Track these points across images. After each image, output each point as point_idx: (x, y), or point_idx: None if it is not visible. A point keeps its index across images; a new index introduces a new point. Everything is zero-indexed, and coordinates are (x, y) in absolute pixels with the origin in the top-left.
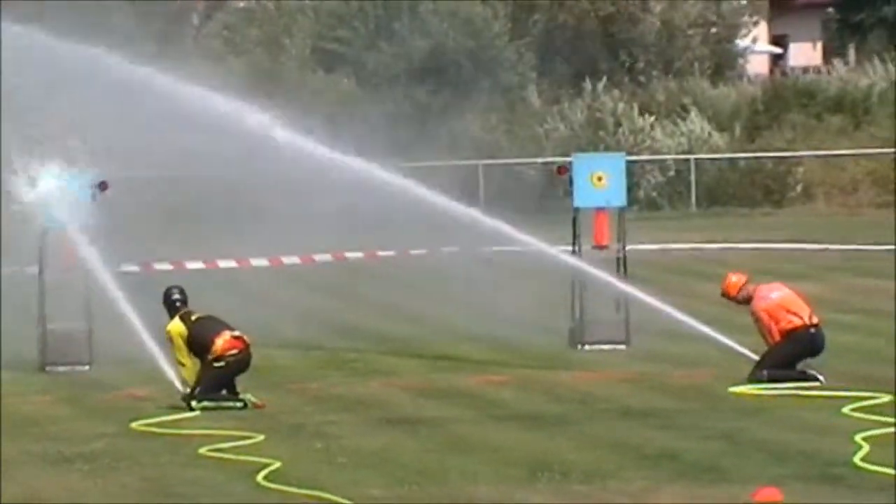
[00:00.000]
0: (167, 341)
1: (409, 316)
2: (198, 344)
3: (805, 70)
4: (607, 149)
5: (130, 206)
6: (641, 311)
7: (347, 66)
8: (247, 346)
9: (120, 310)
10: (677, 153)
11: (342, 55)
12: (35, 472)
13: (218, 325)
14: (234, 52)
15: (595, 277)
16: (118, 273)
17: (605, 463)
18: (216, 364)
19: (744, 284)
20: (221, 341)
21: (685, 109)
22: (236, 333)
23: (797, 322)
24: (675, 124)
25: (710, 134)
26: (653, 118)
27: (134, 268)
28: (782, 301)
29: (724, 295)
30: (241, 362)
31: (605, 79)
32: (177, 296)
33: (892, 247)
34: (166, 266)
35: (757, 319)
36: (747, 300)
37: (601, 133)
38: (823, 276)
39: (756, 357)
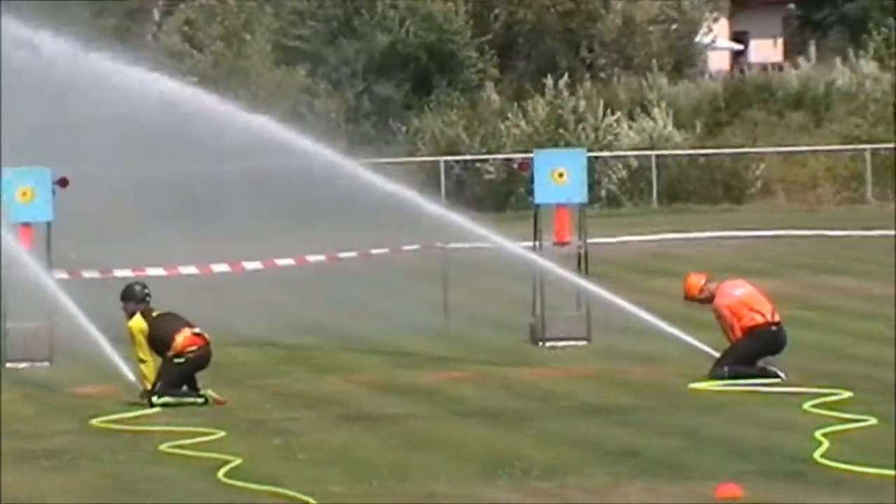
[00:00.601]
0: (129, 337)
1: (369, 312)
2: (158, 340)
3: (764, 67)
4: (568, 146)
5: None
6: (602, 307)
7: (307, 61)
8: (207, 342)
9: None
10: (638, 150)
11: (303, 51)
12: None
13: (178, 322)
14: (196, 47)
15: (553, 273)
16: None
17: (565, 459)
18: (176, 360)
19: (705, 284)
20: (181, 338)
21: (646, 106)
22: (196, 330)
23: (759, 319)
24: (636, 121)
25: (670, 130)
26: (615, 116)
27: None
28: (745, 298)
29: (687, 297)
30: (202, 358)
31: (566, 76)
32: (139, 288)
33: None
34: (127, 272)
35: (719, 316)
36: (710, 298)
37: (561, 130)
38: (783, 272)
39: (716, 354)
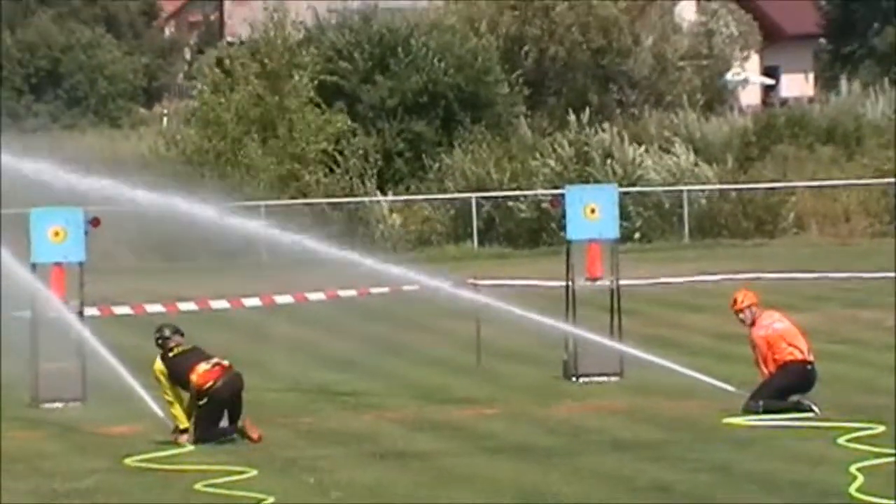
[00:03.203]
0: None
1: (398, 348)
2: (177, 380)
3: (797, 100)
4: (596, 182)
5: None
6: (634, 343)
7: (344, 98)
8: (225, 370)
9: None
10: (668, 185)
11: (340, 88)
12: None
13: (193, 359)
14: (231, 85)
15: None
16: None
17: (596, 495)
18: (200, 403)
19: (749, 305)
20: (195, 377)
21: (676, 142)
22: (213, 362)
23: (798, 356)
24: (666, 156)
25: (700, 165)
26: (642, 148)
27: (127, 310)
28: (784, 332)
29: (733, 307)
30: (223, 390)
31: (588, 111)
32: (160, 333)
33: (887, 275)
34: (158, 307)
35: (754, 347)
36: (749, 322)
37: (588, 168)
38: (815, 306)
39: (730, 388)
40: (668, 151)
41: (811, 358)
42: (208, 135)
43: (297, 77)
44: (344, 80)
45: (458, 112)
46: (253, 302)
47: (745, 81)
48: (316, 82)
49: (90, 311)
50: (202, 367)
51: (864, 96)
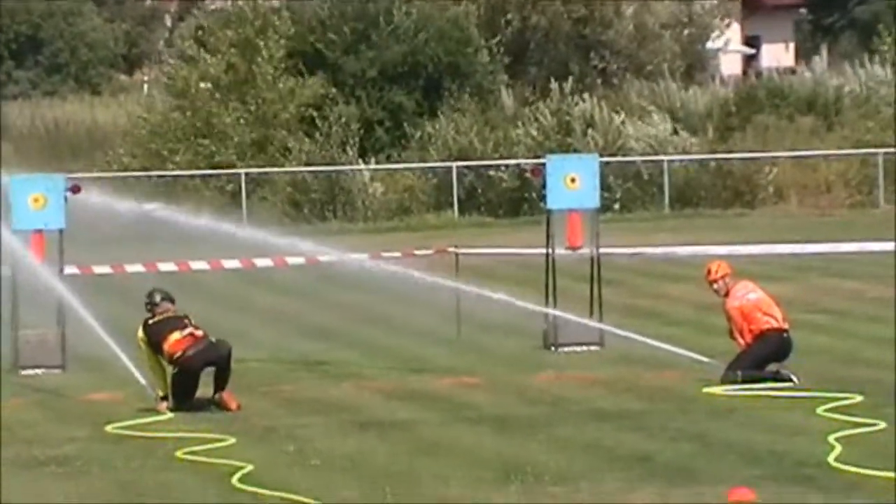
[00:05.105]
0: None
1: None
2: (155, 348)
3: (778, 71)
4: (577, 152)
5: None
6: (614, 313)
7: (326, 69)
8: (197, 340)
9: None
10: (648, 155)
11: (323, 59)
12: (7, 475)
13: (168, 326)
14: (210, 52)
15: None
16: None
17: (577, 465)
18: (174, 371)
19: (723, 276)
20: (167, 345)
21: (657, 112)
22: (186, 332)
23: (774, 324)
24: (647, 125)
25: (680, 135)
26: (622, 117)
27: (106, 269)
28: (758, 302)
29: (707, 278)
30: (194, 360)
31: (570, 80)
32: (150, 298)
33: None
34: (138, 267)
35: (729, 318)
36: (723, 293)
37: (569, 139)
38: (794, 276)
39: (702, 358)
40: (648, 121)
41: (787, 326)
42: (182, 105)
43: (265, 44)
44: (328, 51)
45: (440, 81)
46: (233, 264)
47: (726, 46)
48: (294, 53)
49: (70, 269)
50: (174, 335)
51: (844, 67)
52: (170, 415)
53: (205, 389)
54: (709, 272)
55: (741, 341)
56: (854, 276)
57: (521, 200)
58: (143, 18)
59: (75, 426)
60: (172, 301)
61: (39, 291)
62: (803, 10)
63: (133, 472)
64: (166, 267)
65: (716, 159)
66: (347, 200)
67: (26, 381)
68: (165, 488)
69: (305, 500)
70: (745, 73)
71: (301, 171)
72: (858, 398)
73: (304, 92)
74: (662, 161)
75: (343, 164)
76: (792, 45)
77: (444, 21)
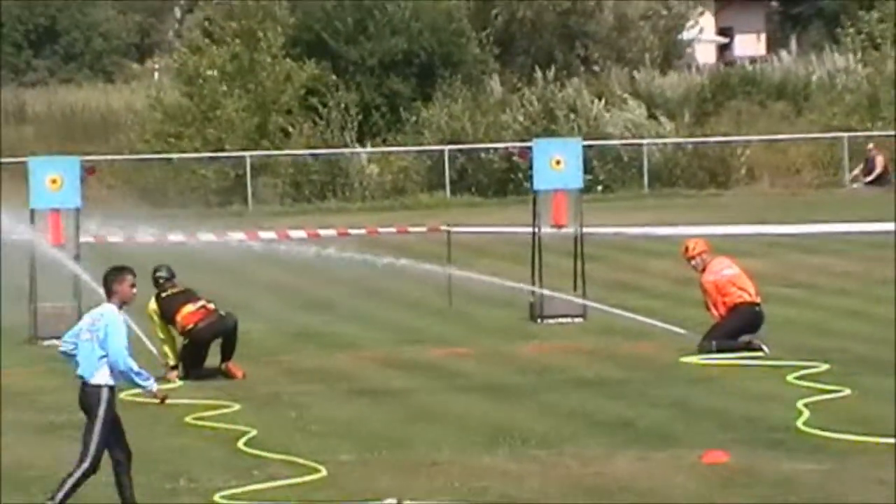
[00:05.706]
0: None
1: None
2: (167, 320)
3: (751, 60)
4: (561, 136)
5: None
6: (597, 288)
7: (328, 57)
8: (209, 313)
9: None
10: (628, 139)
11: (325, 47)
12: (24, 440)
13: (181, 300)
14: (216, 43)
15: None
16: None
17: (562, 430)
18: (185, 342)
19: (700, 252)
20: (180, 318)
21: (635, 98)
22: (199, 304)
23: (747, 298)
24: (626, 111)
25: (658, 119)
26: (602, 102)
27: (119, 238)
28: (733, 277)
29: (684, 255)
30: (204, 332)
31: (553, 68)
32: (159, 273)
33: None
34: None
35: (704, 291)
36: (700, 268)
37: (554, 127)
38: (767, 252)
39: (678, 330)
40: (627, 107)
41: (759, 300)
42: (189, 92)
43: (265, 34)
44: (332, 40)
45: (433, 70)
46: (238, 236)
47: (700, 35)
48: (297, 41)
49: (85, 238)
50: (188, 308)
51: (811, 57)
52: (179, 383)
53: (212, 359)
54: (686, 249)
55: (716, 314)
56: (823, 252)
57: (509, 181)
58: (154, 10)
59: None
60: (174, 277)
61: (55, 267)
62: (774, 2)
63: (144, 437)
64: (175, 237)
65: (692, 143)
66: (346, 181)
67: (45, 351)
68: (175, 451)
69: (306, 462)
70: (719, 61)
71: (302, 154)
72: (825, 366)
73: (302, 75)
74: (642, 144)
75: (342, 147)
76: (763, 36)
77: (438, 14)
